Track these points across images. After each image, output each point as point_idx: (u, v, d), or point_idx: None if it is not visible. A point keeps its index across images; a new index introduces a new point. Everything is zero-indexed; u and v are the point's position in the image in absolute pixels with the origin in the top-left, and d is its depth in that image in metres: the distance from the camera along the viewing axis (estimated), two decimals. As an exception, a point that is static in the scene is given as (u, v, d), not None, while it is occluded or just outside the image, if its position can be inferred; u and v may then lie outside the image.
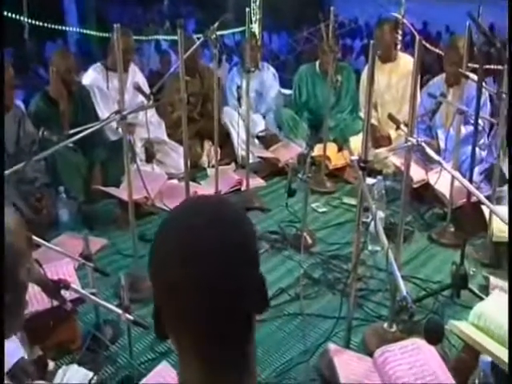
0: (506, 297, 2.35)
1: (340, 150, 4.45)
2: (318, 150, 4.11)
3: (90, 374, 2.05)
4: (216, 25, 3.45)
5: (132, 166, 2.82)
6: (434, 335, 1.65)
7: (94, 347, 2.30)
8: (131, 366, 2.18)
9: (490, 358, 1.87)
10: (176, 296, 0.82)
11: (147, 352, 2.36)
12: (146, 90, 3.89)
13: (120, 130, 3.11)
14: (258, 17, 7.11)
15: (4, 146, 3.07)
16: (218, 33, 3.48)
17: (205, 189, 3.86)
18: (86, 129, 2.61)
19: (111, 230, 3.41)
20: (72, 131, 2.67)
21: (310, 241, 3.22)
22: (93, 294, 2.22)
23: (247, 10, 3.69)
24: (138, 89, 3.47)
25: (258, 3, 7.02)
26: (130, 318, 2.05)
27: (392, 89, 4.56)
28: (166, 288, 0.84)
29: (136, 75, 4.33)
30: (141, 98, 3.83)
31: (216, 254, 0.81)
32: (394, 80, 4.54)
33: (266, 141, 4.70)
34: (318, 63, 4.79)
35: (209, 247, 0.81)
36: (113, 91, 4.14)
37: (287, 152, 4.39)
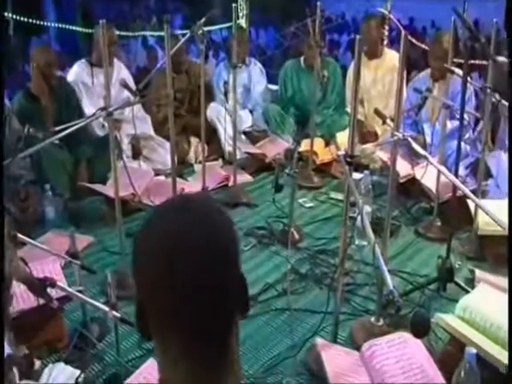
0: (491, 289, 2.37)
1: (327, 145, 4.46)
2: (305, 146, 4.12)
3: (77, 372, 2.05)
4: (203, 20, 3.45)
5: (118, 163, 2.81)
6: (420, 329, 1.66)
7: (81, 345, 2.29)
8: (118, 364, 2.18)
9: (475, 350, 1.88)
10: (158, 294, 0.82)
11: (134, 349, 2.35)
12: (132, 85, 3.88)
13: (106, 125, 3.11)
14: (244, 12, 7.09)
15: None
16: (205, 28, 3.47)
17: (192, 185, 3.86)
18: (72, 125, 2.60)
19: (98, 227, 3.39)
20: (58, 128, 2.66)
21: (297, 236, 3.23)
22: (79, 291, 2.21)
23: (234, 5, 3.68)
24: (125, 85, 3.45)
25: (244, -2, 7.00)
26: (117, 315, 2.05)
27: (378, 84, 4.57)
28: (149, 286, 0.84)
29: (121, 71, 4.32)
30: (126, 93, 3.82)
31: (197, 253, 0.81)
32: (380, 75, 4.55)
33: (253, 136, 4.69)
34: (302, 58, 4.78)
35: (190, 246, 0.82)
36: (98, 87, 4.12)
37: (274, 147, 4.39)
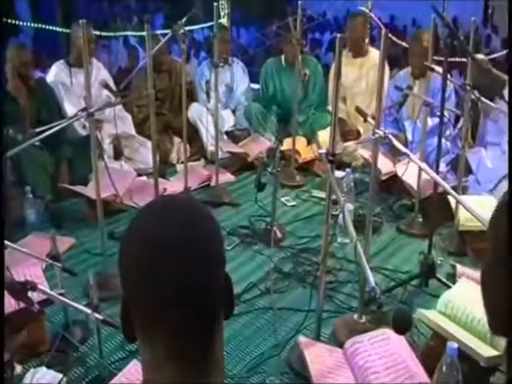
0: (472, 284, 2.40)
1: (309, 143, 4.47)
2: (287, 144, 4.12)
3: (59, 375, 2.03)
4: (184, 20, 3.44)
5: (100, 164, 2.79)
6: (402, 325, 1.67)
7: (63, 348, 2.27)
8: (101, 366, 2.16)
9: (456, 345, 1.90)
10: (144, 294, 0.83)
11: (117, 351, 2.34)
12: (112, 85, 3.86)
13: (87, 126, 3.09)
14: (226, 11, 7.08)
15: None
16: (187, 28, 3.46)
17: (174, 185, 3.85)
18: (53, 126, 2.58)
19: (79, 229, 3.37)
20: (38, 129, 2.64)
21: (279, 235, 3.23)
22: (61, 294, 2.19)
23: (215, 4, 3.67)
24: (106, 86, 3.44)
25: (226, -3, 7.00)
26: (100, 317, 2.03)
27: (362, 82, 4.59)
28: (135, 286, 0.84)
29: (100, 71, 4.30)
30: (106, 93, 3.81)
31: (182, 253, 0.82)
32: (364, 73, 4.57)
33: (236, 136, 4.69)
34: (283, 57, 4.79)
35: (175, 246, 0.82)
36: (76, 87, 4.10)
37: (256, 146, 4.40)
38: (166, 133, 4.52)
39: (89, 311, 2.04)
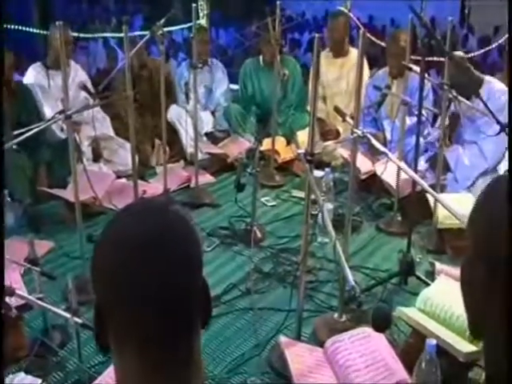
0: (451, 281, 2.42)
1: (288, 143, 4.48)
2: (266, 144, 4.12)
3: (39, 381, 2.01)
4: (162, 21, 3.43)
5: (78, 166, 2.77)
6: (381, 323, 1.68)
7: (42, 353, 2.25)
8: (81, 370, 2.14)
9: (435, 341, 1.92)
10: (118, 301, 0.81)
11: (97, 355, 2.31)
12: (90, 87, 3.83)
13: (65, 129, 3.05)
14: (205, 12, 7.07)
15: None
16: (166, 29, 3.44)
17: (154, 187, 3.83)
18: (30, 129, 2.55)
19: (58, 233, 3.34)
20: (16, 132, 2.61)
21: (259, 235, 3.23)
22: (39, 298, 2.17)
23: (194, 5, 3.67)
24: (84, 87, 3.41)
25: (205, -2, 6.99)
26: (79, 321, 2.01)
27: (342, 82, 4.62)
28: (109, 293, 0.82)
29: (78, 73, 4.27)
30: (84, 95, 3.77)
31: (158, 258, 0.81)
32: (344, 73, 4.59)
33: (215, 137, 4.69)
34: (261, 57, 4.79)
35: (151, 252, 0.81)
36: (54, 89, 4.06)
37: (236, 147, 4.39)
38: (146, 135, 4.49)
39: (68, 315, 2.03)
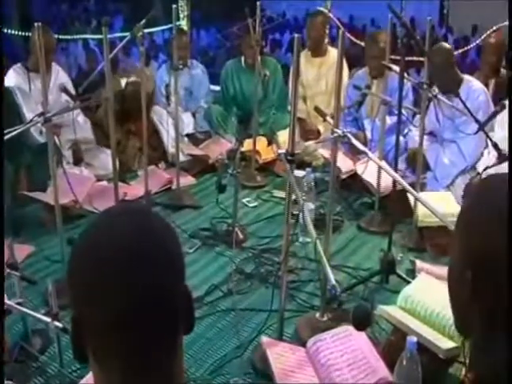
0: (431, 278, 2.44)
1: (270, 144, 4.48)
2: (248, 145, 4.12)
3: (19, 386, 1.99)
4: (142, 22, 3.41)
5: (59, 169, 2.75)
6: (362, 321, 1.69)
7: (23, 359, 2.23)
8: (62, 376, 2.13)
9: (415, 339, 1.94)
10: (95, 310, 0.79)
11: (78, 359, 2.30)
12: (71, 89, 3.80)
13: (44, 132, 3.03)
14: (186, 13, 7.05)
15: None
16: (146, 30, 3.42)
17: (135, 189, 3.81)
18: (8, 132, 2.52)
19: (38, 236, 3.30)
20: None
21: (241, 236, 3.23)
22: (19, 303, 2.15)
23: (174, 6, 3.65)
24: (64, 90, 3.38)
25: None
26: (59, 325, 2.00)
27: (321, 82, 4.63)
28: (86, 302, 0.80)
29: (59, 75, 4.22)
30: (65, 97, 3.74)
31: (136, 265, 0.78)
32: (323, 73, 4.61)
33: (196, 138, 4.68)
34: (243, 58, 4.79)
35: (129, 257, 0.79)
36: (35, 92, 4.01)
37: (217, 148, 4.39)
38: (128, 138, 4.47)
39: (48, 320, 2.01)
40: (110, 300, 0.77)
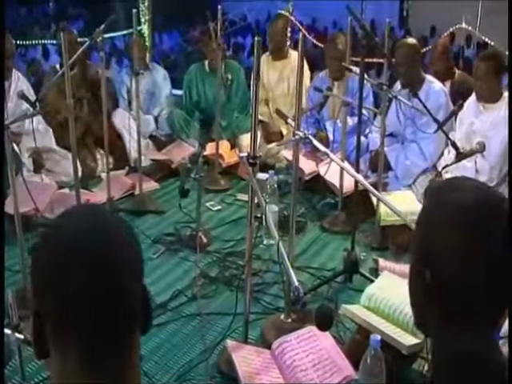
0: (393, 277, 2.48)
1: (233, 147, 4.48)
2: (210, 149, 4.12)
3: (-21, 400, 1.94)
4: (102, 27, 3.37)
5: (18, 178, 2.70)
6: (324, 322, 1.70)
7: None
8: (24, 388, 2.08)
9: (379, 336, 1.96)
10: (55, 305, 0.81)
11: (40, 371, 2.25)
12: (31, 96, 3.73)
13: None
14: (147, 17, 7.01)
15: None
16: (107, 35, 3.38)
17: (97, 195, 3.76)
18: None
19: (-2, 246, 3.24)
20: None
21: (205, 240, 3.22)
22: (-22, 315, 2.10)
23: (134, 10, 3.63)
24: (23, 96, 3.31)
25: (146, 4, 6.93)
26: (20, 337, 1.96)
27: (284, 85, 4.65)
28: (46, 297, 0.82)
29: (19, 82, 4.13)
30: (26, 105, 3.66)
31: (92, 262, 0.81)
32: (285, 76, 4.63)
33: (160, 141, 4.65)
34: (207, 62, 4.78)
35: (86, 253, 0.81)
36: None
37: (180, 152, 4.37)
38: (88, 142, 4.41)
39: (9, 332, 1.97)
40: (62, 294, 0.80)
